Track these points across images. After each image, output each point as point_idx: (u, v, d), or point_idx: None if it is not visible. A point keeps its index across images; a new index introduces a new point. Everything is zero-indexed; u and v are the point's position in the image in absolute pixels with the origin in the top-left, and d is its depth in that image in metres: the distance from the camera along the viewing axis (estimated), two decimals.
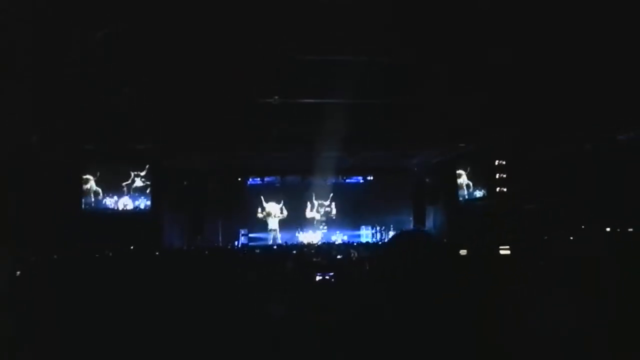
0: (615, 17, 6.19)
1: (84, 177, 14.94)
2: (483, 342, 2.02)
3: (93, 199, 14.99)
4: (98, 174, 15.02)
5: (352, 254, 9.50)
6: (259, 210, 18.56)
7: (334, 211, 18.75)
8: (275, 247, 15.73)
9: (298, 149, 13.76)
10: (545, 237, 9.74)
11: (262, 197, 18.47)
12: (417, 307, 2.03)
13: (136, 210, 15.28)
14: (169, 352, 3.07)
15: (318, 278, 4.82)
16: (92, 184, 15.00)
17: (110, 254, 9.83)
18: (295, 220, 18.68)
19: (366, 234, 18.67)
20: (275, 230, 18.60)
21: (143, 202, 15.35)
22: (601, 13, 6.12)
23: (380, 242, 17.27)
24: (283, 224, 18.67)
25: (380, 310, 2.11)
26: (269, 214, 18.61)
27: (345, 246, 13.97)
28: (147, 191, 15.36)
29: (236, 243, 17.99)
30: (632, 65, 7.37)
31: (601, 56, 7.28)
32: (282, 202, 18.52)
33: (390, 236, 18.15)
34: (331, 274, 4.79)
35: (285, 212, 18.61)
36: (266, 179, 18.46)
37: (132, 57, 7.46)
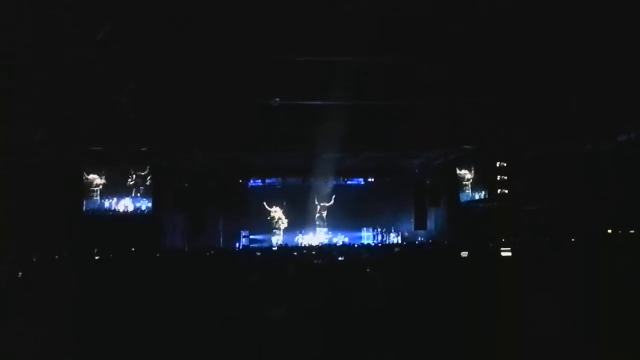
0: (616, 17, 6.19)
1: (90, 176, 14.93)
2: (484, 343, 2.02)
3: (99, 200, 14.98)
4: (103, 173, 15.03)
5: (354, 256, 9.47)
6: (268, 217, 18.63)
7: (335, 213, 18.70)
8: (275, 248, 15.70)
9: (299, 150, 13.75)
10: (547, 239, 9.72)
11: (264, 203, 18.47)
12: (418, 311, 2.03)
13: (138, 212, 15.28)
14: (169, 354, 3.07)
15: (317, 279, 4.81)
16: (98, 182, 15.00)
17: (111, 256, 9.84)
18: (296, 222, 18.67)
19: (367, 236, 18.64)
20: (279, 232, 18.64)
21: (144, 204, 15.35)
22: (602, 13, 6.12)
23: (380, 244, 17.22)
24: (285, 226, 18.70)
25: (381, 313, 2.10)
26: (273, 219, 18.65)
27: (346, 248, 13.95)
28: (149, 193, 15.35)
29: (237, 244, 17.98)
30: (633, 66, 7.37)
31: (602, 57, 7.28)
32: (285, 206, 18.56)
33: (391, 239, 18.19)
34: (332, 275, 4.78)
35: (287, 217, 18.68)
36: (267, 180, 18.42)
37: (134, 59, 7.47)
